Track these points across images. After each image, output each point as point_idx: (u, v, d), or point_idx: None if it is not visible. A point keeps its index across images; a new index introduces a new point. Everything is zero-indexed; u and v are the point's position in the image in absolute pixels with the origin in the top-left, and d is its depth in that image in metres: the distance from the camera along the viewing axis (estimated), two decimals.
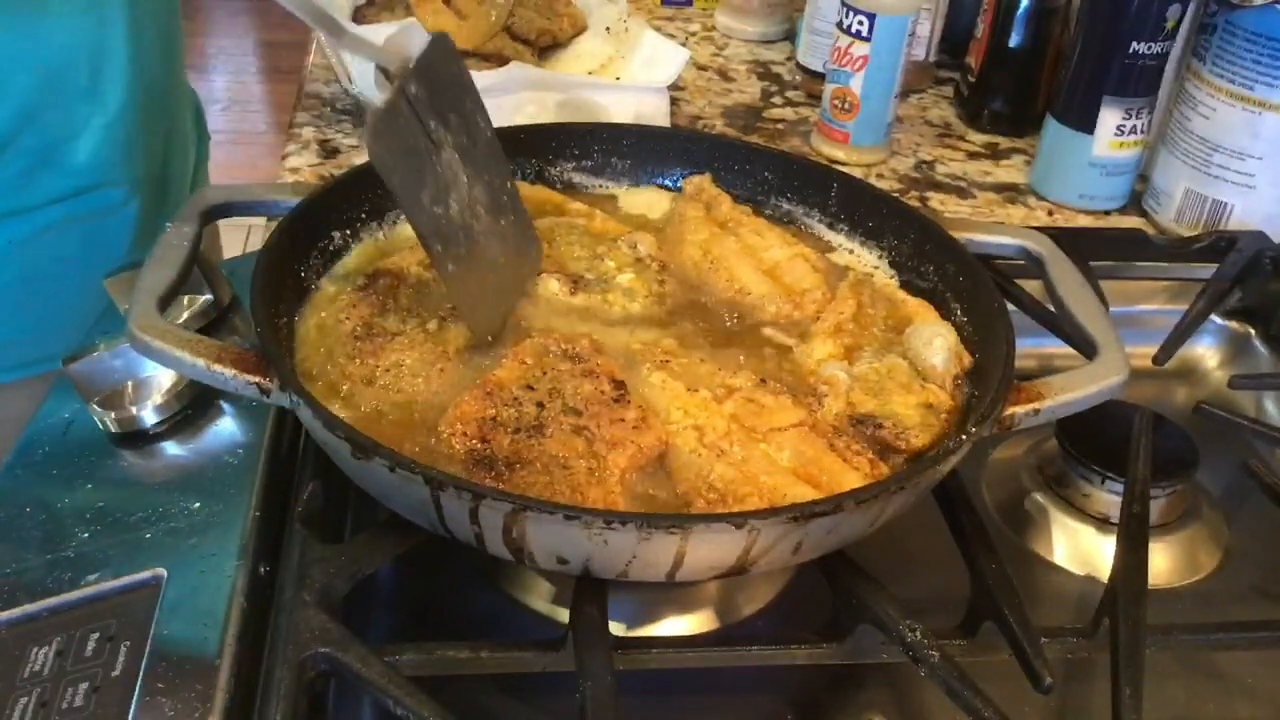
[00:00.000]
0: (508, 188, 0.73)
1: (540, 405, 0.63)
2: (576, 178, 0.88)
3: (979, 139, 1.25)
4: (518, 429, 0.61)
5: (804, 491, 0.60)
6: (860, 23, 1.09)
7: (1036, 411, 0.63)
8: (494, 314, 0.71)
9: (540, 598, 0.69)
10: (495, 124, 0.73)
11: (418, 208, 0.64)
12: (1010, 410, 0.63)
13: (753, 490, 0.60)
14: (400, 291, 0.72)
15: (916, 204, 1.09)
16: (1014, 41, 1.20)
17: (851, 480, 0.61)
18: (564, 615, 0.59)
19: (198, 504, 0.65)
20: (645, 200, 0.88)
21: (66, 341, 0.73)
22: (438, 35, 0.67)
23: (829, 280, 0.79)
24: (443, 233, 0.66)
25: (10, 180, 0.93)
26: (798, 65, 1.35)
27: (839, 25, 1.11)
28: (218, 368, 0.60)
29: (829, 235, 0.85)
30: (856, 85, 1.12)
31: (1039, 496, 0.79)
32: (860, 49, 1.10)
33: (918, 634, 0.58)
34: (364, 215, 0.78)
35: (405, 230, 0.79)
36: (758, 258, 0.80)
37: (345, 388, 0.66)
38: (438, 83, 0.66)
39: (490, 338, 0.69)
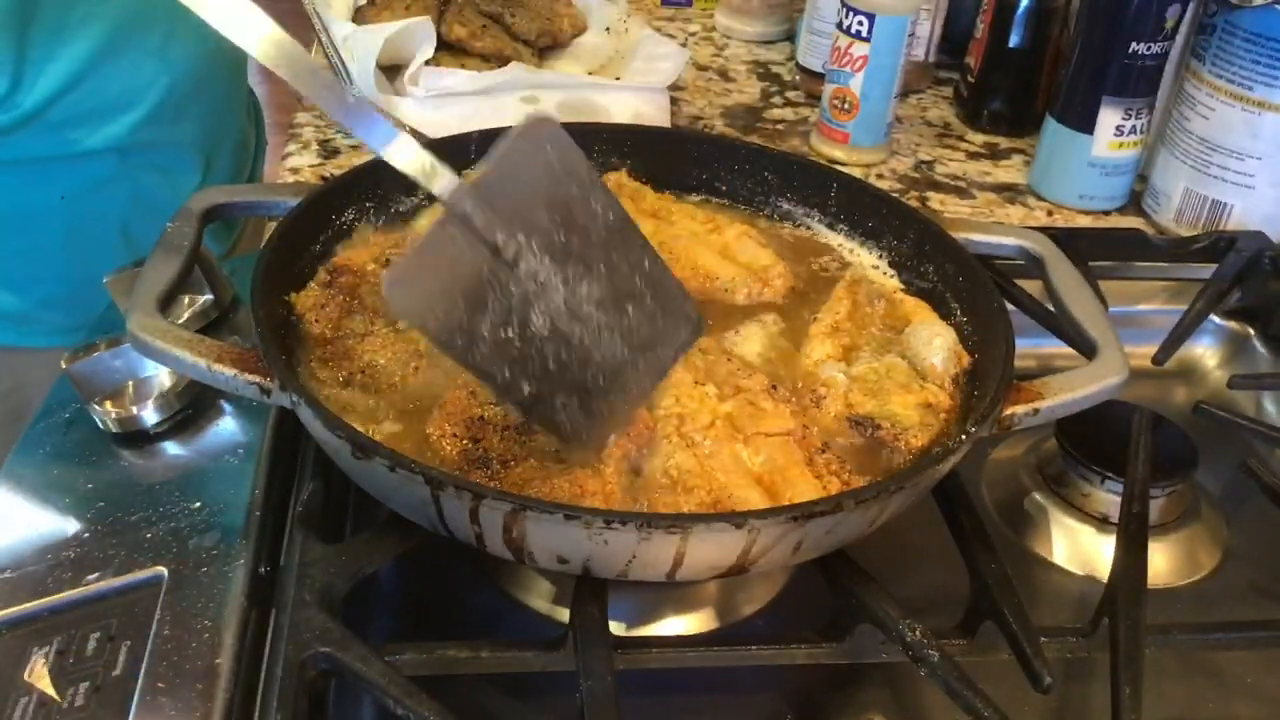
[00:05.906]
0: (644, 267, 0.60)
1: None
2: None
3: (978, 139, 1.25)
4: (506, 425, 0.61)
5: (752, 495, 0.60)
6: (860, 23, 1.09)
7: (1036, 411, 0.63)
8: (601, 430, 0.60)
9: (540, 597, 0.69)
10: (494, 124, 0.70)
11: (470, 346, 0.55)
12: (1010, 410, 0.63)
13: (701, 484, 0.60)
14: (362, 290, 0.71)
15: (916, 204, 1.09)
16: (1014, 41, 1.20)
17: (810, 495, 0.60)
18: (564, 615, 0.59)
19: (198, 504, 0.65)
20: None
21: (99, 309, 0.75)
22: (535, 123, 0.56)
23: (780, 252, 0.79)
24: (510, 358, 0.56)
25: (79, 117, 0.98)
26: (798, 65, 1.35)
27: (839, 25, 1.11)
28: (218, 368, 0.60)
29: (829, 235, 0.85)
30: (856, 85, 1.12)
31: (1039, 496, 0.79)
32: (860, 49, 1.10)
33: (917, 634, 0.59)
34: (364, 215, 0.78)
35: (405, 228, 0.80)
36: (707, 241, 0.79)
37: (324, 393, 0.64)
38: (517, 182, 0.56)
39: (596, 457, 0.60)
